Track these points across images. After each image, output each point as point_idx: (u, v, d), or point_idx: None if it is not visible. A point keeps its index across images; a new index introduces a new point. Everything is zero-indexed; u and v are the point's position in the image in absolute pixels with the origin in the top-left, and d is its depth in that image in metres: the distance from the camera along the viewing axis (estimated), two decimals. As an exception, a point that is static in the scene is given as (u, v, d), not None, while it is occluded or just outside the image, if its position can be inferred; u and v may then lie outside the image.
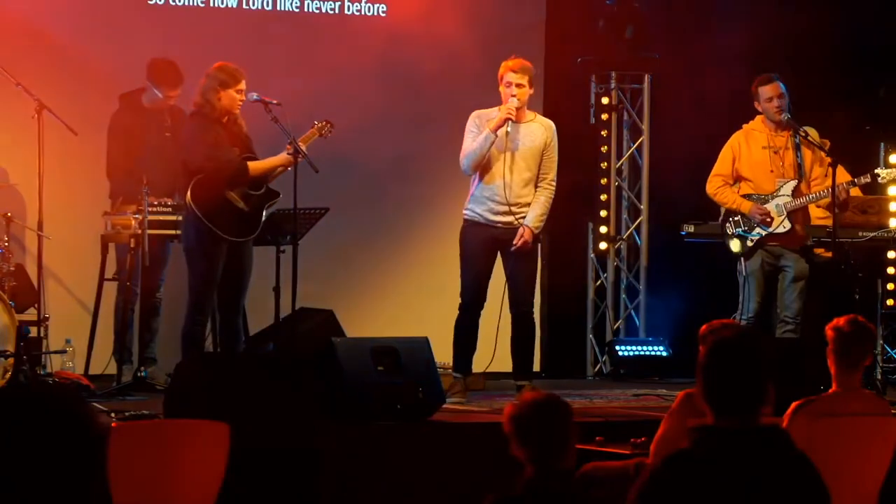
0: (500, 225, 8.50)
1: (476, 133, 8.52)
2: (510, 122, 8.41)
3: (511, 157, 8.48)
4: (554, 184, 8.62)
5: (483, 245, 8.52)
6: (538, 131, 8.58)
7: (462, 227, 8.64)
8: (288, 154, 8.31)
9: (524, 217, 8.50)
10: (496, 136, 8.44)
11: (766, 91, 9.09)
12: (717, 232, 9.26)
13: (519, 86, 8.45)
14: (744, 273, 9.12)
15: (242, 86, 8.38)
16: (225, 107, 8.36)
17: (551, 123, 8.68)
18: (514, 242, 8.45)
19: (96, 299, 9.14)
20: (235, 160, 8.38)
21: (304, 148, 8.31)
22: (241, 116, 8.49)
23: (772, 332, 9.12)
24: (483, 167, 8.49)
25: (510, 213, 8.47)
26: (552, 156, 8.59)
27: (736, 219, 9.14)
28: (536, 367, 10.70)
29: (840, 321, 5.94)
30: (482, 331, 8.65)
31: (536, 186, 8.56)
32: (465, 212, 8.62)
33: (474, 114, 8.63)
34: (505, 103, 8.50)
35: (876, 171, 9.24)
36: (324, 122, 8.63)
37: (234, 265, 8.41)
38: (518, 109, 8.46)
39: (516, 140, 8.50)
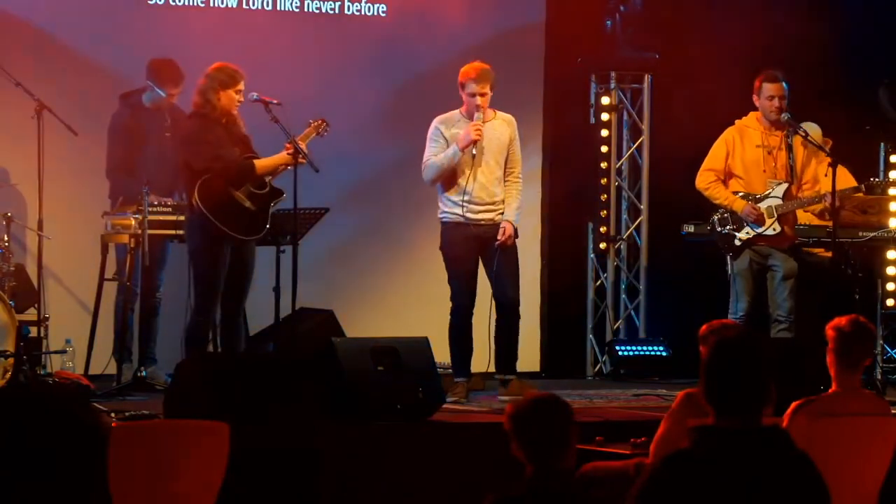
0: (482, 223, 8.52)
1: (442, 143, 8.52)
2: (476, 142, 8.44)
3: (481, 158, 8.50)
4: (521, 177, 8.69)
5: (466, 244, 8.53)
6: (501, 127, 8.62)
7: (441, 231, 8.64)
8: (288, 154, 8.30)
9: (503, 213, 8.53)
10: (463, 152, 8.44)
11: (769, 88, 9.03)
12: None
13: (482, 95, 8.46)
14: (731, 272, 9.10)
15: (241, 87, 8.37)
16: (224, 107, 8.35)
17: (512, 118, 8.72)
18: (499, 238, 8.48)
19: (96, 299, 9.13)
20: (240, 159, 8.37)
21: (304, 147, 8.30)
22: (240, 116, 8.48)
23: (765, 332, 9.09)
24: (456, 171, 8.49)
25: (489, 210, 8.50)
26: (516, 149, 8.66)
27: (724, 216, 9.09)
28: (536, 367, 10.73)
29: (841, 321, 5.93)
30: (482, 332, 8.65)
31: (505, 181, 8.58)
32: (441, 215, 8.62)
33: (437, 120, 8.64)
34: (466, 109, 8.53)
35: (871, 179, 9.35)
36: (320, 121, 8.60)
37: (237, 266, 8.40)
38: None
39: (483, 141, 8.50)
